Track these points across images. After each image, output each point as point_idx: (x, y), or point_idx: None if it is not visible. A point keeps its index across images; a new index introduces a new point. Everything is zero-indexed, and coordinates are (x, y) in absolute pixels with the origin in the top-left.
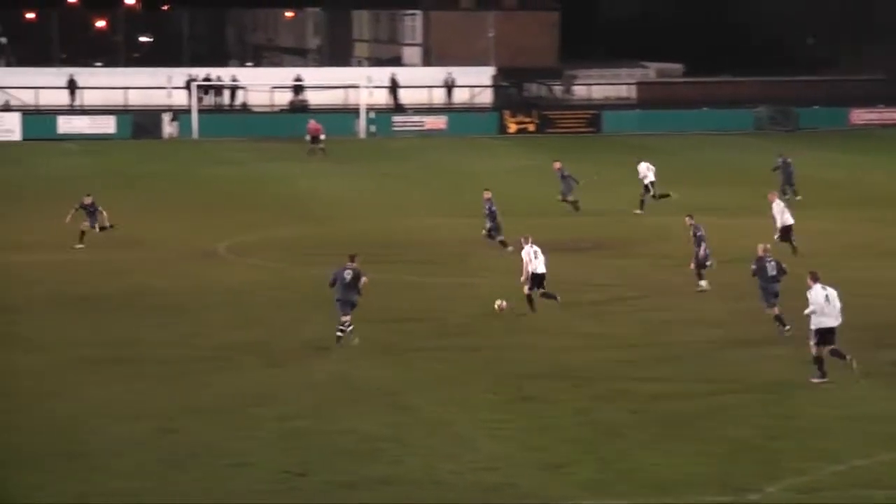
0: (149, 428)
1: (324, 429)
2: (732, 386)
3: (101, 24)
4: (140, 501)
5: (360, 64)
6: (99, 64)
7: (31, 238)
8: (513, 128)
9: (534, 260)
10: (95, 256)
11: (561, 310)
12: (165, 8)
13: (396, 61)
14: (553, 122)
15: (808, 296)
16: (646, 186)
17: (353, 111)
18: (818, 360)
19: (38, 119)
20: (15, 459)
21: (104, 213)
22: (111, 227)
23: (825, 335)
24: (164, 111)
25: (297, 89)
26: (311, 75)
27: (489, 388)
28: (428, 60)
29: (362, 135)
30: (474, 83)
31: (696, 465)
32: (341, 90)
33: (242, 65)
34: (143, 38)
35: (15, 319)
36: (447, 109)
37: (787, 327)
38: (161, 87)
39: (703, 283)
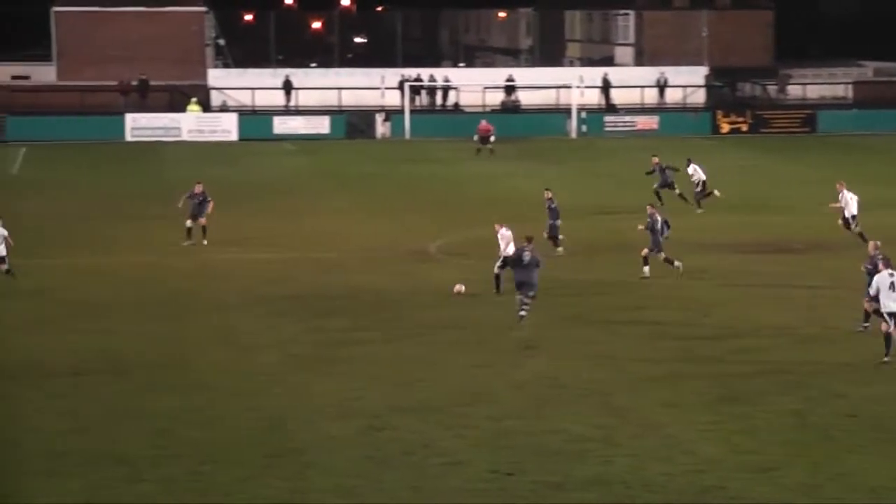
0: (359, 426)
1: (532, 428)
2: None
3: (316, 25)
4: (350, 501)
5: (571, 64)
6: (314, 65)
7: (243, 236)
8: (725, 128)
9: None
10: (308, 255)
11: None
12: (380, 9)
13: (609, 61)
14: (767, 121)
15: (875, 278)
16: (696, 184)
17: (564, 111)
18: (887, 338)
19: (254, 119)
20: (225, 456)
21: (212, 203)
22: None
23: (892, 317)
24: (378, 111)
25: (509, 89)
26: (523, 75)
27: (701, 390)
28: (640, 60)
29: (573, 135)
30: (687, 83)
31: None
32: (553, 90)
33: (455, 65)
34: (357, 39)
35: (230, 317)
36: (659, 109)
37: (867, 325)
38: (374, 87)
39: (647, 269)
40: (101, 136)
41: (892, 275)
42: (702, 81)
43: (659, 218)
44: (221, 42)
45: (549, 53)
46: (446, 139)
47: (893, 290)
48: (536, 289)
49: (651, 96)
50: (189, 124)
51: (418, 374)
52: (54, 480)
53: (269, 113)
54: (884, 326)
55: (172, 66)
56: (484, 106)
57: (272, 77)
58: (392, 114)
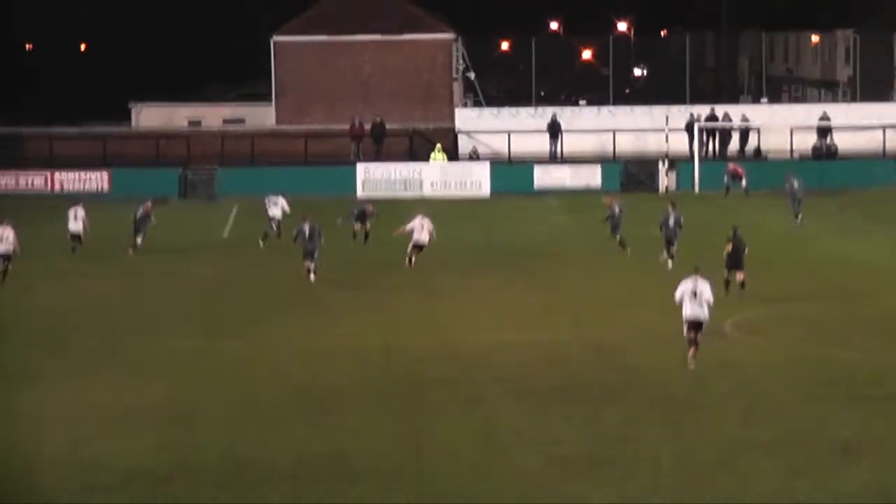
0: None
1: None
2: None
3: (586, 54)
4: None
5: None
6: (583, 102)
7: (498, 311)
8: None
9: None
10: (579, 334)
11: None
12: (664, 33)
13: None
14: None
15: (679, 286)
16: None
17: (894, 157)
18: (691, 342)
19: (510, 170)
20: None
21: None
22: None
23: (693, 325)
24: (661, 159)
25: (823, 131)
26: (841, 113)
27: None
28: None
29: None
30: None
31: None
32: (878, 131)
33: (756, 101)
34: (636, 71)
35: (483, 411)
36: None
37: None
38: (657, 129)
39: None
40: (328, 190)
41: (695, 281)
42: None
43: None
44: (472, 76)
45: (874, 86)
46: (743, 193)
47: (696, 297)
48: None
49: None
50: (432, 176)
51: (712, 480)
52: None
53: (528, 161)
54: (686, 334)
55: (413, 105)
56: (791, 152)
57: (532, 118)
58: (678, 161)
